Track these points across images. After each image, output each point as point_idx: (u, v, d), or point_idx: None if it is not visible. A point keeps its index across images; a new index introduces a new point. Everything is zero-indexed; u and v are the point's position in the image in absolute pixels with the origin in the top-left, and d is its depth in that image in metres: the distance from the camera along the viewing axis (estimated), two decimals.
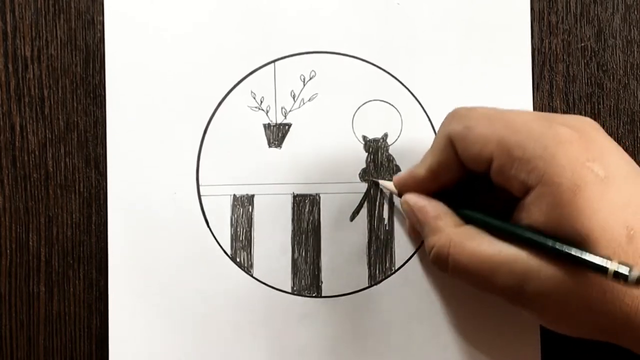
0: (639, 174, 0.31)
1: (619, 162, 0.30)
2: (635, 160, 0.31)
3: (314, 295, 0.39)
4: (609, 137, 0.32)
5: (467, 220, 0.34)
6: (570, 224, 0.29)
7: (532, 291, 0.30)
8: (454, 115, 0.33)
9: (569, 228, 0.29)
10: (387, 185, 0.37)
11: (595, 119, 0.38)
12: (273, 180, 0.39)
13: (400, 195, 0.36)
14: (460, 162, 0.33)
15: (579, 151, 0.30)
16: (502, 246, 0.31)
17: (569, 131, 0.30)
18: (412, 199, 0.35)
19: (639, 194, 0.30)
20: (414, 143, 0.39)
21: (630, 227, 0.29)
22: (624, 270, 0.27)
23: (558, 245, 0.29)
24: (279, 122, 0.39)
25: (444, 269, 0.33)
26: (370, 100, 0.39)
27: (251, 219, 0.39)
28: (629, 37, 0.39)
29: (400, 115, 0.39)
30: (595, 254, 0.28)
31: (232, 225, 0.39)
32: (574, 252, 0.28)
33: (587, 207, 0.28)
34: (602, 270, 0.27)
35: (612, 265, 0.27)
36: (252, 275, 0.39)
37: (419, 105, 0.39)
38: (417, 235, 0.37)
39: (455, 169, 0.33)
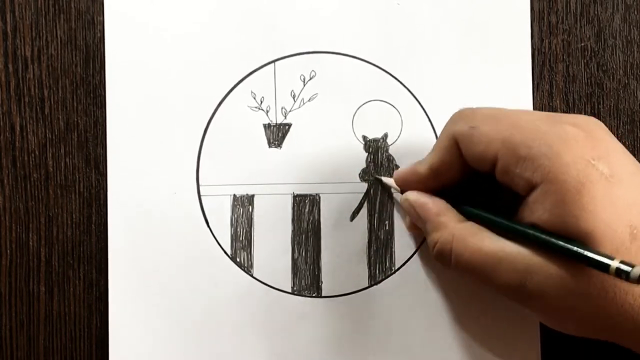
0: None
1: (625, 162, 0.30)
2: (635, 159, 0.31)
3: (314, 295, 0.39)
4: (614, 137, 0.31)
5: (469, 217, 0.34)
6: (574, 221, 0.29)
7: (533, 288, 0.30)
8: (459, 116, 0.33)
9: (572, 225, 0.29)
10: (388, 182, 0.37)
11: None
12: (273, 180, 0.39)
13: (401, 191, 0.36)
14: (463, 162, 0.33)
15: (584, 149, 0.29)
16: (505, 243, 0.31)
17: (575, 129, 0.30)
18: (413, 195, 0.35)
19: None
20: (414, 143, 0.39)
21: (634, 226, 0.29)
22: (626, 267, 0.27)
23: (560, 242, 0.29)
24: (279, 122, 0.39)
25: (447, 265, 0.33)
26: (370, 100, 0.39)
27: (251, 219, 0.39)
28: (629, 37, 0.39)
29: (400, 115, 0.39)
30: (598, 251, 0.28)
31: (232, 225, 0.39)
32: (576, 248, 0.28)
33: (591, 205, 0.28)
34: (604, 267, 0.27)
35: (614, 263, 0.27)
36: (252, 275, 0.39)
37: (419, 105, 0.39)
38: (418, 231, 0.37)
39: (458, 168, 0.33)
